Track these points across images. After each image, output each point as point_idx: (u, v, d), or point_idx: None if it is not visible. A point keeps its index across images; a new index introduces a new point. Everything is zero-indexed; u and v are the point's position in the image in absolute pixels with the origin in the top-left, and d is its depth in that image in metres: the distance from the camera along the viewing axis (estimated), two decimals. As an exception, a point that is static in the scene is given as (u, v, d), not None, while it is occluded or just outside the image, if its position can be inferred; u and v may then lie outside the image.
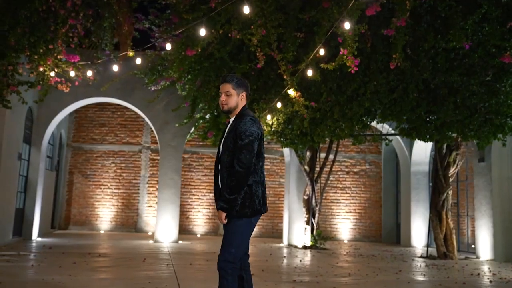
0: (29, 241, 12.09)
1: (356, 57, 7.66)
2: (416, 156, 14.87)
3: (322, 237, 13.11)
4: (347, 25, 7.15)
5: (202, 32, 7.62)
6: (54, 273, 6.89)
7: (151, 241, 13.28)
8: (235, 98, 3.81)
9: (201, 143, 17.24)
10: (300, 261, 9.93)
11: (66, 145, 17.06)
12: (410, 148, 14.87)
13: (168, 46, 8.19)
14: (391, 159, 17.11)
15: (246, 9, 7.19)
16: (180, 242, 13.33)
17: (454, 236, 11.36)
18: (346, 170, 17.30)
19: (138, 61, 8.87)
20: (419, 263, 10.18)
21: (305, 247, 12.94)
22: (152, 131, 17.11)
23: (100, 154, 17.24)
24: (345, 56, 7.52)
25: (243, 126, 3.67)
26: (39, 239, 12.71)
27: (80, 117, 17.31)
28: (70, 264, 7.94)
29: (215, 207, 4.20)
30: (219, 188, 3.82)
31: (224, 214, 3.67)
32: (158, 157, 17.12)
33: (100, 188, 17.06)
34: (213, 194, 16.90)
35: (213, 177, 17.01)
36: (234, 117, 3.84)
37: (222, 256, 3.73)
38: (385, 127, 13.62)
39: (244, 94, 3.87)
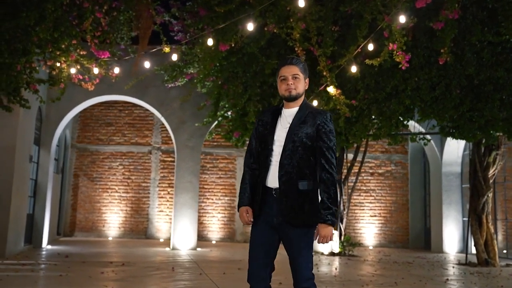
0: (40, 249, 12.12)
1: (407, 53, 7.71)
2: (448, 156, 14.92)
3: (350, 243, 13.17)
4: (402, 19, 7.20)
5: (250, 27, 7.65)
6: (87, 284, 6.94)
7: (167, 249, 13.33)
8: (303, 83, 3.58)
9: (215, 143, 17.29)
10: (336, 269, 9.99)
11: (71, 146, 17.10)
12: (441, 147, 14.92)
13: (210, 42, 8.22)
14: (418, 159, 17.17)
15: (301, 3, 7.21)
16: (199, 249, 13.39)
17: (495, 242, 11.42)
18: (371, 171, 17.36)
19: (174, 57, 8.89)
20: (462, 270, 10.24)
21: (332, 254, 12.99)
22: (163, 130, 17.17)
23: (107, 156, 17.28)
24: (394, 52, 7.58)
25: (328, 123, 3.47)
26: (49, 246, 12.75)
27: (85, 116, 17.35)
28: (98, 274, 7.98)
29: (238, 207, 3.64)
30: (262, 187, 3.52)
31: (332, 229, 3.38)
32: (169, 159, 17.18)
33: (107, 192, 17.10)
34: (228, 198, 17.09)
35: (228, 179, 17.20)
36: (297, 106, 3.57)
37: (303, 275, 3.44)
38: (414, 126, 13.67)
39: (308, 81, 3.69)
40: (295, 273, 3.49)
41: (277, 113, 3.63)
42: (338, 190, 13.11)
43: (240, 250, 13.71)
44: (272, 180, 3.50)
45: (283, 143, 3.50)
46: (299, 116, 3.53)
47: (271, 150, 3.53)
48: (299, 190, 3.43)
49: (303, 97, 3.61)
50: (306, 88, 3.63)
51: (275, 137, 3.55)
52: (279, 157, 3.50)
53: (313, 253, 3.53)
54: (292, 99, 3.56)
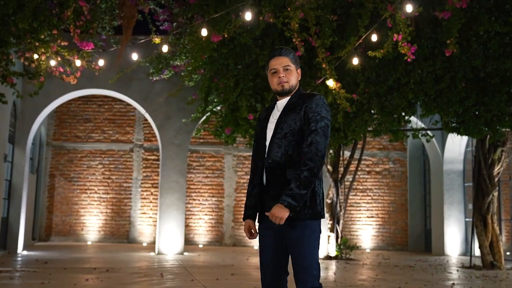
0: (15, 255, 12.01)
1: (412, 44, 7.77)
2: (449, 153, 15.04)
3: (347, 246, 13.25)
4: (409, 8, 7.25)
5: (248, 16, 7.64)
6: (73, 292, 6.91)
7: (152, 253, 13.29)
8: (295, 75, 3.54)
9: (201, 140, 17.25)
10: (334, 273, 10.05)
11: (46, 144, 16.94)
12: (443, 144, 15.04)
13: (204, 32, 8.18)
14: (418, 156, 17.29)
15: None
16: (186, 253, 13.36)
17: (500, 243, 11.55)
18: (367, 169, 17.45)
19: (165, 48, 8.84)
20: (467, 274, 10.35)
21: (329, 258, 13.05)
22: (145, 126, 17.09)
23: (85, 154, 17.16)
24: (399, 43, 7.64)
25: (316, 106, 3.40)
26: (25, 252, 12.64)
27: (62, 112, 17.20)
28: (83, 281, 7.94)
29: (245, 213, 3.59)
30: (261, 186, 3.50)
31: (287, 214, 3.22)
32: (153, 157, 17.11)
33: (86, 193, 16.99)
34: (215, 199, 17.06)
35: (216, 179, 17.18)
36: (289, 97, 3.54)
37: (307, 282, 3.30)
38: (416, 122, 13.76)
39: (300, 71, 3.64)
40: (296, 275, 3.37)
41: (271, 109, 3.63)
42: (334, 190, 13.18)
43: (229, 254, 13.72)
44: None
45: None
46: (289, 103, 3.52)
47: (265, 146, 3.51)
48: (287, 180, 3.33)
49: (297, 88, 3.58)
50: (299, 79, 3.60)
51: (267, 132, 3.53)
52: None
53: (317, 255, 3.40)
54: (285, 93, 3.54)
